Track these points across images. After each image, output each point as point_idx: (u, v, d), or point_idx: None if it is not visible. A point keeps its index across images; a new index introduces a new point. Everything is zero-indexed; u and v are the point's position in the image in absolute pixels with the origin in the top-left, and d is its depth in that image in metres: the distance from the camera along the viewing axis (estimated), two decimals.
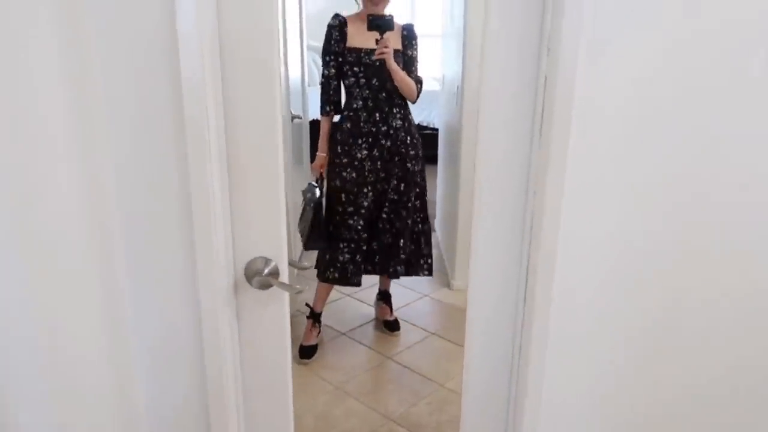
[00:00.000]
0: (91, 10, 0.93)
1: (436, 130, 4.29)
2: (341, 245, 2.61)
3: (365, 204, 2.59)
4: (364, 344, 2.80)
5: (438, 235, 3.91)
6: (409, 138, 2.61)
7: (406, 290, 3.22)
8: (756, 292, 1.08)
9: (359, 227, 2.60)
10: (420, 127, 3.01)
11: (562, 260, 1.05)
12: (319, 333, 2.75)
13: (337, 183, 2.59)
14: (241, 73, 1.01)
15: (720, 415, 1.16)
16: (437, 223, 4.10)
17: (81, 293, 1.03)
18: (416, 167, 2.65)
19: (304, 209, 2.66)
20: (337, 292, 3.19)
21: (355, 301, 3.17)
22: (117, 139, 1.00)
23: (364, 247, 2.63)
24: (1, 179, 0.86)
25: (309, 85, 4.92)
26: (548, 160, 1.01)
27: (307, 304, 2.76)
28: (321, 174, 2.67)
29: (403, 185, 2.64)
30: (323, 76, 2.57)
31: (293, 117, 3.35)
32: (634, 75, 0.96)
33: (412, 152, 2.62)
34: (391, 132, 2.56)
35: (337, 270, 2.63)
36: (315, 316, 2.74)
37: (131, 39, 0.95)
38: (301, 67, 3.88)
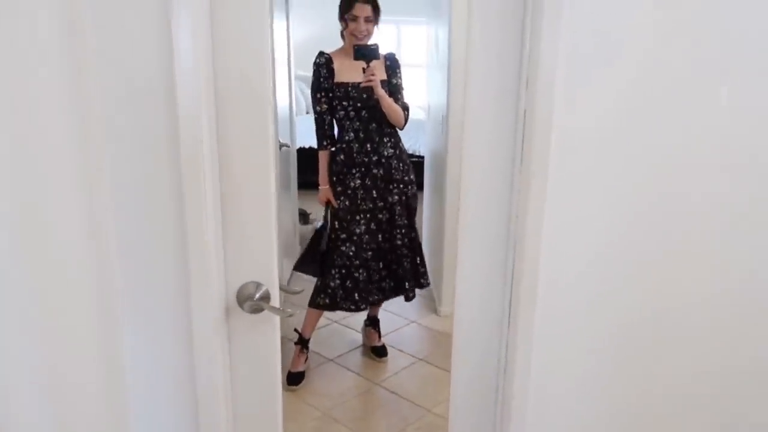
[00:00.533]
0: (96, 47, 0.97)
1: (422, 157, 4.36)
2: (333, 271, 2.65)
3: (358, 232, 2.64)
4: (351, 370, 2.81)
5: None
6: (401, 165, 2.70)
7: (393, 316, 3.24)
8: (739, 291, 1.13)
9: (351, 254, 2.64)
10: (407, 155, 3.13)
11: (544, 283, 1.09)
12: (306, 359, 2.75)
13: (330, 211, 2.66)
14: (235, 107, 1.06)
15: (707, 411, 1.19)
16: (423, 250, 4.13)
17: (78, 315, 1.05)
18: (410, 191, 2.74)
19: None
20: (325, 318, 3.19)
21: (342, 328, 3.18)
22: (115, 169, 1.03)
23: (356, 274, 2.66)
24: (7, 211, 0.89)
25: (297, 114, 5.00)
26: (529, 187, 1.05)
27: (295, 330, 2.77)
28: (328, 205, 2.73)
29: (399, 209, 2.71)
30: (316, 112, 2.64)
31: (281, 145, 3.40)
32: (609, 104, 1.02)
33: (405, 178, 2.71)
34: (383, 161, 2.64)
35: (327, 296, 2.65)
36: (303, 342, 2.75)
37: (131, 76, 0.99)
38: (288, 96, 3.95)
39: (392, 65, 2.69)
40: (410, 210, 2.76)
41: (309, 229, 4.27)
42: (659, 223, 1.08)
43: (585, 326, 1.13)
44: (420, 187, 4.09)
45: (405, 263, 2.75)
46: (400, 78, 2.70)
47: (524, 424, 1.16)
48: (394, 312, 3.24)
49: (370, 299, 2.74)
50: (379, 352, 2.91)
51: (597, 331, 1.13)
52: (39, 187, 0.95)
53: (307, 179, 4.52)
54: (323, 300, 2.67)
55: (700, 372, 1.16)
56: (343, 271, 2.65)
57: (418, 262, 2.81)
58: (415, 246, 2.80)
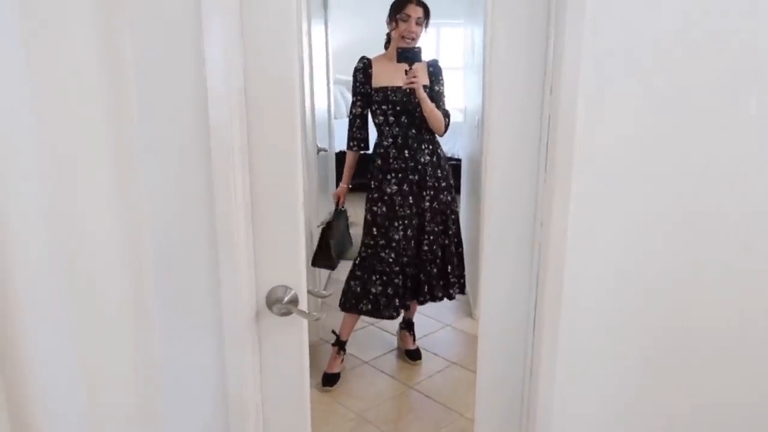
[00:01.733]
0: (132, 57, 1.02)
1: (460, 160, 4.35)
2: (374, 277, 2.67)
3: (396, 238, 2.65)
4: (386, 373, 2.83)
5: None
6: (439, 171, 2.70)
7: (428, 319, 3.25)
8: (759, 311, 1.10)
9: (390, 260, 2.66)
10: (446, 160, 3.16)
11: (569, 289, 1.09)
12: (342, 361, 2.79)
13: (369, 217, 2.69)
14: (264, 115, 1.09)
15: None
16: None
17: (114, 318, 1.10)
18: (449, 197, 2.75)
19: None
20: (362, 320, 3.21)
21: (377, 330, 3.21)
22: (149, 177, 1.08)
23: (396, 280, 2.68)
24: (46, 218, 0.94)
25: (336, 117, 5.06)
26: (553, 193, 1.06)
27: (333, 332, 2.81)
28: (338, 201, 2.85)
29: (439, 216, 2.73)
30: (351, 114, 2.71)
31: (319, 150, 3.45)
32: (633, 113, 1.02)
33: (443, 184, 2.72)
34: (419, 167, 2.65)
35: (370, 302, 2.69)
36: (340, 344, 2.78)
37: (165, 85, 1.04)
38: (327, 100, 4.00)
39: (435, 72, 2.70)
40: (445, 217, 2.76)
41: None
42: (686, 237, 1.07)
43: (611, 332, 1.13)
44: (458, 190, 4.10)
45: (432, 269, 2.74)
46: (443, 85, 2.71)
47: (549, 429, 1.16)
48: (429, 315, 3.25)
49: (407, 304, 2.76)
50: (413, 356, 2.93)
51: (622, 339, 1.13)
52: (77, 196, 1.00)
53: None
54: (365, 306, 2.70)
55: (728, 392, 1.14)
56: (384, 277, 2.66)
57: (449, 270, 2.79)
58: (446, 254, 2.78)
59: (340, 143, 4.85)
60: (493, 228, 1.19)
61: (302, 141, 1.57)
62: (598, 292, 1.10)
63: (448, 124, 2.67)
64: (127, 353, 1.13)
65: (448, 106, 2.73)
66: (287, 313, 1.17)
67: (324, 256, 2.76)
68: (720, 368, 1.13)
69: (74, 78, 0.96)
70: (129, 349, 1.13)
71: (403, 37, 2.55)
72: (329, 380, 2.70)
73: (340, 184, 2.82)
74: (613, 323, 1.11)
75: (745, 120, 1.01)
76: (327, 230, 2.79)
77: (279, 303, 1.16)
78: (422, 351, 2.95)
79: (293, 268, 1.18)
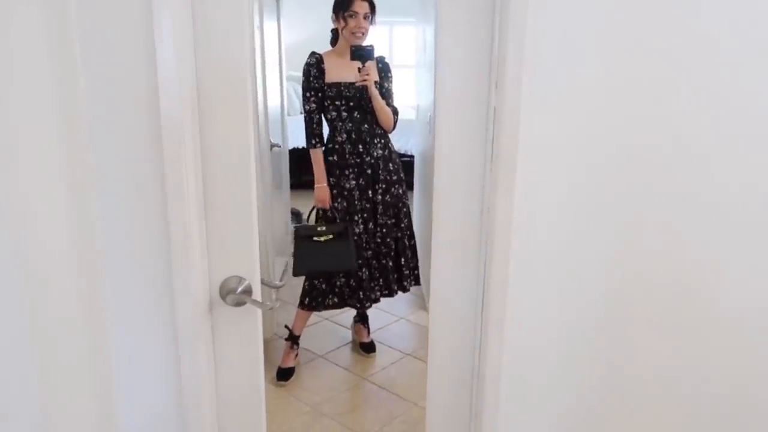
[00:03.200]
0: (81, 50, 1.01)
1: (413, 157, 4.41)
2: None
3: (357, 231, 2.69)
4: (340, 366, 2.85)
5: None
6: (391, 165, 2.75)
7: (382, 313, 3.29)
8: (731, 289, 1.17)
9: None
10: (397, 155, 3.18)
11: (515, 274, 1.14)
12: (296, 355, 2.80)
13: (329, 214, 2.68)
14: (216, 107, 1.09)
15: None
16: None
17: (63, 308, 1.09)
18: (400, 190, 2.80)
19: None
20: (315, 315, 3.23)
21: (332, 324, 3.23)
22: (101, 167, 1.07)
23: (359, 272, 2.70)
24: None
25: (289, 114, 5.04)
26: (498, 182, 1.10)
27: (286, 326, 2.81)
28: (328, 206, 2.66)
29: (391, 209, 2.77)
30: (306, 111, 2.67)
31: (272, 145, 3.44)
32: (575, 103, 1.07)
33: (395, 177, 2.77)
34: (373, 161, 2.69)
35: (336, 295, 2.72)
36: (294, 339, 2.79)
37: (115, 77, 1.03)
38: (280, 97, 3.99)
39: (384, 68, 2.75)
40: (397, 210, 2.80)
41: None
42: (632, 223, 1.12)
43: (555, 315, 1.18)
44: (411, 187, 4.15)
45: (386, 262, 2.78)
46: (391, 82, 2.76)
47: (497, 410, 1.21)
48: (383, 308, 3.28)
49: (373, 296, 2.77)
50: (367, 348, 2.96)
51: (567, 320, 1.18)
52: (26, 187, 0.99)
53: (299, 179, 4.58)
54: (332, 300, 2.72)
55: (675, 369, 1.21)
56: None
57: (402, 263, 2.83)
58: (399, 246, 2.82)
59: (294, 140, 4.87)
60: (442, 218, 1.23)
61: (254, 133, 1.57)
62: (544, 271, 1.15)
63: (397, 121, 2.73)
64: (78, 345, 1.12)
65: (400, 103, 2.78)
66: (241, 303, 1.18)
67: (303, 263, 2.57)
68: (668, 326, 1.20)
69: (24, 67, 0.95)
70: (80, 341, 1.12)
71: (353, 34, 2.57)
72: (284, 375, 2.70)
73: (319, 185, 2.67)
74: (560, 306, 1.17)
75: (679, 108, 1.07)
76: (299, 234, 2.62)
77: (232, 293, 1.17)
78: (376, 344, 2.99)
79: (247, 259, 1.19)
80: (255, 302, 1.18)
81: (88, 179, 1.08)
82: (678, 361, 1.20)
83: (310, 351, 2.95)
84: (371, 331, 3.05)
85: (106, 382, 1.18)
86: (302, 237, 2.57)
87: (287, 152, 4.26)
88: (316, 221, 2.73)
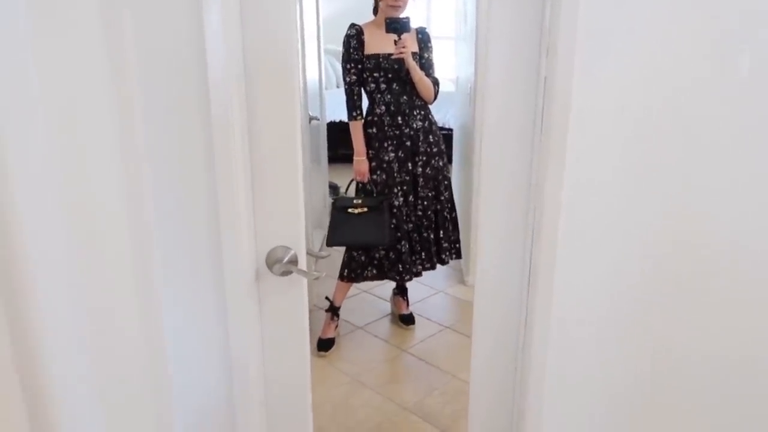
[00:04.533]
0: (132, 25, 1.02)
1: (452, 130, 4.37)
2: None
3: (397, 204, 2.68)
4: (380, 338, 2.88)
5: None
6: (431, 137, 2.73)
7: (421, 286, 3.29)
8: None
9: (392, 226, 2.67)
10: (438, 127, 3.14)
11: (563, 249, 1.12)
12: (336, 327, 2.83)
13: (369, 186, 2.68)
14: (263, 79, 1.10)
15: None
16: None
17: (119, 281, 1.12)
18: (440, 162, 2.78)
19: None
20: (355, 287, 3.26)
21: (371, 297, 3.25)
22: (151, 140, 1.09)
23: (398, 246, 2.70)
24: (51, 179, 0.95)
25: (326, 88, 5.03)
26: (548, 154, 1.08)
27: (327, 298, 2.85)
28: (366, 179, 2.66)
29: (432, 182, 2.75)
30: (346, 83, 2.66)
31: (311, 119, 3.45)
32: (628, 74, 1.03)
33: (435, 149, 2.75)
34: (413, 134, 2.68)
35: (374, 267, 2.74)
36: (334, 310, 2.83)
37: (165, 49, 1.04)
38: (318, 70, 3.98)
39: (424, 39, 2.72)
40: (438, 182, 2.78)
41: None
42: (682, 197, 1.09)
43: (603, 293, 1.16)
44: (450, 159, 4.12)
45: (427, 235, 2.77)
46: (432, 52, 2.73)
47: (542, 388, 1.20)
48: (421, 282, 3.27)
49: (414, 270, 2.77)
50: (406, 320, 2.98)
51: (616, 297, 1.16)
52: (79, 154, 1.01)
53: (337, 153, 4.59)
54: (371, 272, 2.74)
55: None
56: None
57: (442, 236, 2.82)
58: (440, 219, 2.81)
59: (332, 113, 4.86)
60: (488, 191, 1.22)
61: (300, 103, 1.56)
62: (593, 247, 1.12)
63: (438, 92, 2.70)
64: (130, 316, 1.15)
65: (439, 75, 2.74)
66: (287, 273, 1.20)
67: (338, 233, 2.58)
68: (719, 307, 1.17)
69: (75, 43, 0.96)
70: (132, 311, 1.15)
71: (390, 6, 2.55)
72: (324, 345, 2.74)
73: (358, 158, 2.65)
74: (609, 283, 1.14)
75: (734, 74, 1.02)
76: (336, 206, 2.64)
77: (279, 263, 1.19)
78: (415, 316, 3.01)
79: (293, 229, 1.20)
80: (301, 271, 1.20)
81: (138, 150, 1.09)
82: (730, 342, 1.16)
83: (349, 323, 2.98)
84: (410, 303, 3.06)
85: (159, 354, 1.21)
86: (338, 208, 2.60)
87: (325, 125, 4.26)
88: (356, 194, 2.73)
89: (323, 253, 1.42)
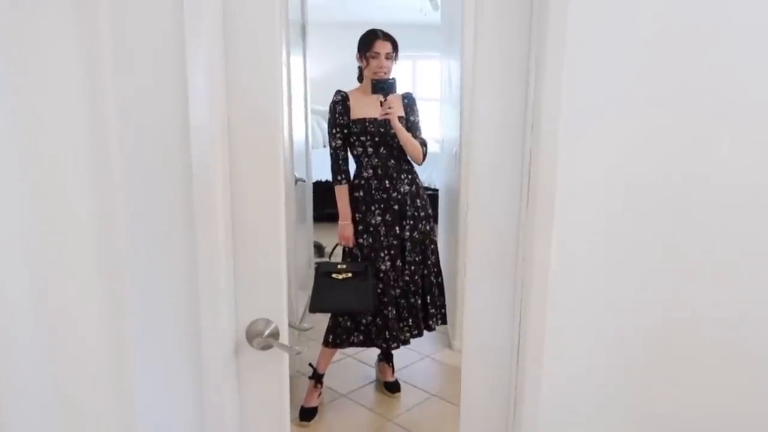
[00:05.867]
0: (114, 90, 1.01)
1: (437, 190, 4.39)
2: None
3: (384, 268, 2.65)
4: (364, 406, 2.79)
5: None
6: (419, 200, 2.74)
7: (407, 351, 3.18)
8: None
9: (379, 291, 2.63)
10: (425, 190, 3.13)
11: (553, 323, 1.09)
12: (320, 394, 2.74)
13: (355, 251, 2.66)
14: (247, 147, 1.09)
15: None
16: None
17: (92, 348, 1.07)
18: (428, 226, 2.77)
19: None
20: (339, 352, 3.18)
21: (355, 362, 3.17)
22: (131, 205, 1.06)
23: (385, 311, 2.65)
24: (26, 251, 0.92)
25: (313, 147, 5.07)
26: (534, 227, 1.07)
27: (310, 365, 2.77)
28: (351, 243, 2.65)
29: (419, 246, 2.73)
30: (332, 147, 2.69)
31: (297, 180, 3.45)
32: (614, 148, 1.04)
33: (422, 213, 2.74)
34: (400, 197, 2.68)
35: (361, 333, 2.67)
36: (318, 377, 2.74)
37: (149, 120, 1.03)
38: (305, 131, 4.01)
39: (410, 103, 2.76)
40: (425, 246, 2.76)
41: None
42: (675, 267, 1.08)
43: (596, 366, 1.13)
44: (436, 220, 4.12)
45: (414, 301, 2.73)
46: (418, 116, 2.77)
47: None
48: (407, 347, 3.19)
49: (401, 338, 2.70)
50: (392, 388, 2.90)
51: (610, 376, 1.13)
52: (55, 229, 0.98)
53: (322, 212, 4.58)
54: (357, 338, 2.67)
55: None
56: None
57: (429, 301, 2.78)
58: (426, 284, 2.77)
59: (318, 173, 4.89)
60: (474, 262, 1.19)
61: (285, 172, 1.54)
62: (583, 322, 1.10)
63: (426, 153, 2.71)
64: (102, 385, 1.10)
65: (425, 136, 2.77)
66: (268, 347, 1.15)
67: (321, 299, 2.53)
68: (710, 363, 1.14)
69: (56, 117, 0.95)
70: (104, 381, 1.10)
71: (375, 73, 2.60)
72: (307, 414, 2.65)
73: (343, 222, 2.65)
74: (599, 358, 1.12)
75: (721, 156, 1.03)
76: (320, 271, 2.60)
77: (259, 337, 1.15)
78: (401, 383, 2.92)
79: (275, 302, 1.17)
80: (282, 346, 1.15)
81: (116, 217, 1.07)
82: (721, 400, 1.13)
83: (332, 389, 2.89)
84: (395, 369, 2.98)
85: (130, 423, 1.15)
86: (321, 274, 2.54)
87: (311, 186, 4.27)
88: (342, 258, 2.70)
89: (306, 326, 1.38)
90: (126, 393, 1.14)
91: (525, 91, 1.09)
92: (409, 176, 2.72)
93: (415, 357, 3.22)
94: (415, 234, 2.72)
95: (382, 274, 2.64)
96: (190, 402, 1.15)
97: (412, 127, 2.71)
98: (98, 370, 1.08)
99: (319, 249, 4.52)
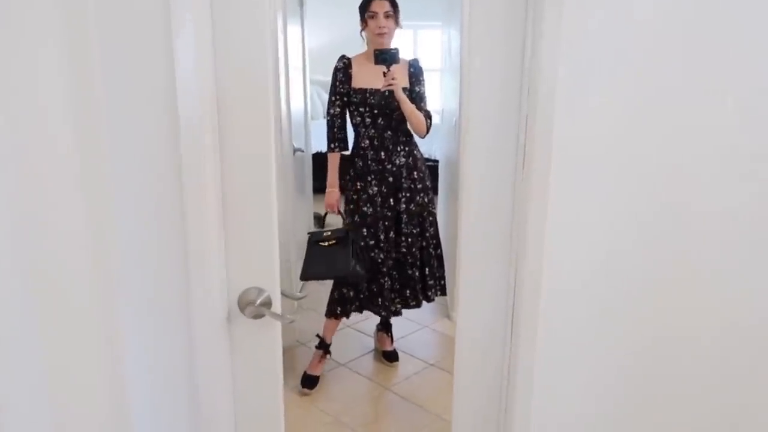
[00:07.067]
0: (100, 55, 0.99)
1: (437, 161, 4.35)
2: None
3: (382, 237, 2.62)
4: (363, 375, 2.80)
5: None
6: (416, 173, 2.67)
7: (405, 321, 3.22)
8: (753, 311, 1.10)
9: (379, 260, 2.63)
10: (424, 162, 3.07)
11: (547, 289, 1.08)
12: (321, 362, 2.74)
13: (358, 219, 2.63)
14: (237, 112, 1.06)
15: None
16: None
17: (81, 319, 1.06)
18: (425, 198, 2.71)
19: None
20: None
21: (354, 332, 3.18)
22: (117, 172, 1.05)
23: (382, 281, 2.64)
24: (9, 217, 0.90)
25: (313, 118, 5.02)
26: (530, 194, 1.05)
27: (317, 335, 2.76)
28: (336, 210, 2.68)
29: (416, 218, 2.69)
30: (329, 114, 2.65)
31: (295, 150, 3.42)
32: (609, 112, 1.01)
33: (419, 186, 2.68)
34: (395, 169, 2.63)
35: (358, 300, 2.66)
36: (325, 347, 2.74)
37: (134, 83, 1.01)
38: (304, 101, 3.97)
39: (416, 72, 2.67)
40: (422, 219, 2.73)
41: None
42: (669, 236, 1.06)
43: (591, 333, 1.12)
44: (436, 191, 4.09)
45: (412, 272, 2.72)
46: (423, 85, 2.68)
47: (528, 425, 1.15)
48: (406, 316, 3.20)
49: (393, 308, 2.71)
50: (390, 357, 2.91)
51: (603, 341, 1.12)
52: (43, 194, 0.96)
53: (322, 183, 4.54)
54: (355, 304, 2.67)
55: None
56: (374, 276, 2.63)
57: (427, 273, 2.76)
58: (424, 256, 2.75)
59: (317, 144, 4.84)
60: (469, 229, 1.18)
61: (276, 140, 1.52)
62: (577, 294, 1.09)
63: (430, 126, 2.63)
64: (92, 355, 1.09)
65: (428, 108, 2.71)
66: (260, 316, 1.15)
67: (312, 268, 2.54)
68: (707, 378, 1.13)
69: (40, 74, 0.93)
70: (94, 351, 1.09)
71: (376, 35, 2.52)
72: (310, 382, 2.66)
73: (330, 189, 2.67)
74: (593, 323, 1.11)
75: (721, 118, 1.01)
76: (312, 240, 2.60)
77: (251, 305, 1.14)
78: (399, 352, 2.94)
79: (267, 270, 1.15)
80: (274, 315, 1.14)
81: (103, 185, 1.05)
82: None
83: (332, 359, 2.90)
84: (394, 339, 2.99)
85: (120, 394, 1.15)
86: (311, 243, 2.53)
87: (310, 156, 4.24)
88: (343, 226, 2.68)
89: (299, 294, 1.38)
90: (117, 364, 1.13)
91: (522, 52, 1.05)
92: (406, 148, 2.66)
93: (413, 327, 3.23)
94: (411, 206, 2.68)
95: (381, 243, 2.62)
96: (182, 372, 1.15)
97: (417, 98, 2.62)
98: (87, 341, 1.07)
99: (318, 220, 4.50)
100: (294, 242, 3.17)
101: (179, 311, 1.11)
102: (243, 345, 1.19)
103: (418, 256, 2.73)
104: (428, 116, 2.63)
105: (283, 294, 1.20)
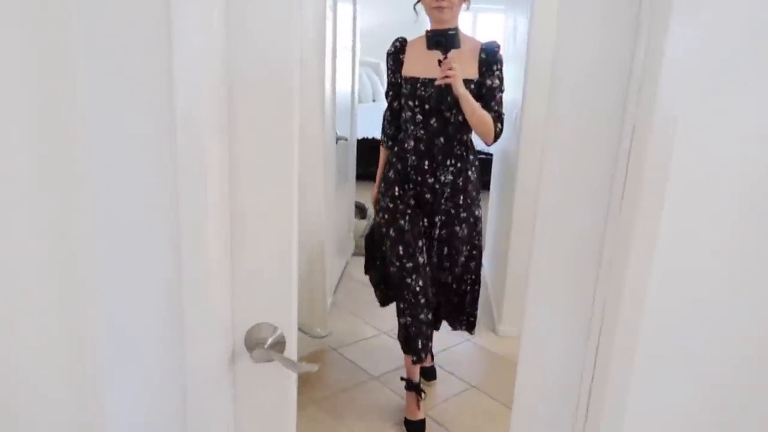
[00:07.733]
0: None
1: (491, 155, 4.06)
2: (401, 305, 2.23)
3: (421, 261, 2.18)
4: (396, 392, 2.50)
5: (485, 272, 3.62)
6: (461, 197, 2.17)
7: (447, 333, 2.87)
8: None
9: (418, 288, 2.18)
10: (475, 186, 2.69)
11: (647, 330, 0.80)
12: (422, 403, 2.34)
13: (393, 234, 2.20)
14: (251, 105, 0.84)
15: None
16: (485, 258, 3.80)
17: (58, 356, 0.85)
18: (464, 231, 2.21)
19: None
20: (373, 328, 2.97)
21: (390, 340, 2.90)
22: (99, 172, 0.84)
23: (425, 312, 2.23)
24: None
25: (360, 101, 4.77)
26: (632, 234, 0.78)
27: (402, 378, 2.40)
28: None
29: (446, 248, 2.23)
30: (387, 107, 2.31)
31: (338, 139, 3.20)
32: (754, 130, 0.72)
33: (462, 214, 2.19)
34: (437, 186, 2.15)
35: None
36: (416, 388, 2.32)
37: (122, 70, 0.81)
38: (351, 85, 3.73)
39: (489, 59, 2.07)
40: (456, 251, 2.26)
41: (364, 225, 4.07)
42: None
43: (695, 399, 0.84)
44: (487, 186, 3.80)
45: (440, 300, 2.37)
46: (499, 78, 2.08)
47: None
48: (448, 329, 2.91)
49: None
50: (427, 375, 2.59)
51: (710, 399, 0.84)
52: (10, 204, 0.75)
53: (367, 170, 4.32)
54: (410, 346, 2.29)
55: None
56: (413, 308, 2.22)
57: (456, 303, 2.38)
58: (460, 290, 2.37)
59: (363, 130, 4.61)
60: (542, 261, 0.91)
61: (319, 129, 1.28)
62: (686, 334, 0.81)
63: (501, 131, 2.09)
64: (70, 402, 0.89)
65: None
66: (270, 360, 0.91)
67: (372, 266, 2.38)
68: None
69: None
70: (73, 397, 0.89)
71: (433, 8, 1.98)
72: (417, 427, 2.28)
73: (376, 189, 2.36)
74: (704, 373, 0.82)
75: None
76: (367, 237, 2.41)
77: (260, 347, 0.91)
78: (438, 369, 2.64)
79: (281, 302, 0.95)
80: (286, 361, 0.91)
81: (84, 189, 0.84)
82: None
83: (363, 370, 2.65)
84: (434, 354, 2.62)
85: None
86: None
87: (354, 144, 4.01)
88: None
89: (320, 332, 1.13)
90: (94, 406, 0.92)
91: (632, 38, 0.77)
92: (459, 164, 2.14)
93: (455, 339, 2.92)
94: (443, 232, 2.21)
95: (420, 269, 2.21)
96: (175, 423, 0.93)
97: (487, 95, 2.05)
98: (60, 378, 0.86)
99: (360, 210, 4.28)
100: (335, 238, 2.94)
101: (172, 353, 0.89)
102: (249, 392, 0.97)
103: (453, 288, 2.35)
104: (499, 118, 2.07)
105: (300, 331, 0.96)
